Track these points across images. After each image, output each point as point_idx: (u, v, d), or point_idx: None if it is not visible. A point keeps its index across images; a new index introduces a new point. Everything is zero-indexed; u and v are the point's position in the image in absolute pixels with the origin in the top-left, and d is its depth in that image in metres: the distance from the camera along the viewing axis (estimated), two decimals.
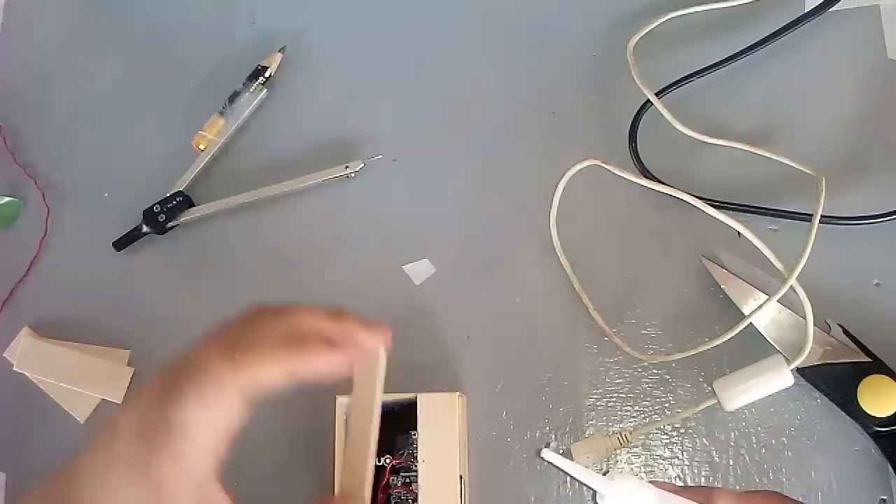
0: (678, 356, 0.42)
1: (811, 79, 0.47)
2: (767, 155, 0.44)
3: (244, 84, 0.53)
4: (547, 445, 0.34)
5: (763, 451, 0.41)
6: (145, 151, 0.54)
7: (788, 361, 0.39)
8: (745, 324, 0.41)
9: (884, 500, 0.39)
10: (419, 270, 0.47)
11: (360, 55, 0.53)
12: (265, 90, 0.53)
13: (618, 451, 0.42)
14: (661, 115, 0.46)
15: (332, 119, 0.52)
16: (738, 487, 0.41)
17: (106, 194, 0.53)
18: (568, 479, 0.42)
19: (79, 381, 0.48)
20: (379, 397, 0.33)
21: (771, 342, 0.41)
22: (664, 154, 0.46)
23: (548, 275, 0.46)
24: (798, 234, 0.41)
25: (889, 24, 0.46)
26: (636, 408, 0.43)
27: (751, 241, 0.40)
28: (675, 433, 0.42)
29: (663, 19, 0.48)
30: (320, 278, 0.48)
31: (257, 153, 0.53)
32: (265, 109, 0.53)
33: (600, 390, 0.43)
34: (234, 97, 0.52)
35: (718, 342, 0.41)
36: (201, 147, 0.52)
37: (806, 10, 0.47)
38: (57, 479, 0.33)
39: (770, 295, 0.40)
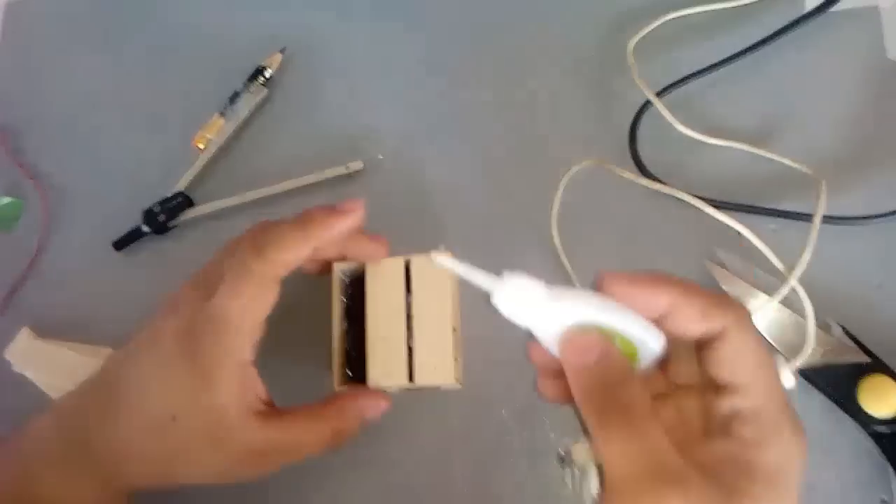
0: None
1: (811, 79, 0.47)
2: (768, 155, 0.44)
3: (244, 84, 0.53)
4: (436, 253, 0.34)
5: None
6: (145, 152, 0.54)
7: (789, 361, 0.39)
8: None
9: (884, 501, 0.39)
10: None
11: (360, 56, 0.54)
12: (265, 90, 0.53)
13: None
14: (662, 115, 0.46)
15: (332, 119, 0.52)
16: None
17: (106, 195, 0.53)
18: (568, 476, 0.42)
19: (79, 381, 0.47)
20: (454, 300, 0.38)
21: (772, 342, 0.41)
22: (664, 154, 0.46)
23: (548, 275, 0.46)
24: (799, 235, 0.41)
25: (889, 25, 0.47)
26: None
27: (751, 242, 0.40)
28: None
29: (663, 20, 0.48)
30: (321, 278, 0.48)
31: (257, 153, 0.53)
32: (265, 110, 0.53)
33: None
34: (234, 97, 0.52)
35: None
36: (201, 147, 0.52)
37: (806, 11, 0.47)
38: (99, 380, 0.37)
39: (771, 295, 0.40)
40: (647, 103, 0.46)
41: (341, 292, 0.40)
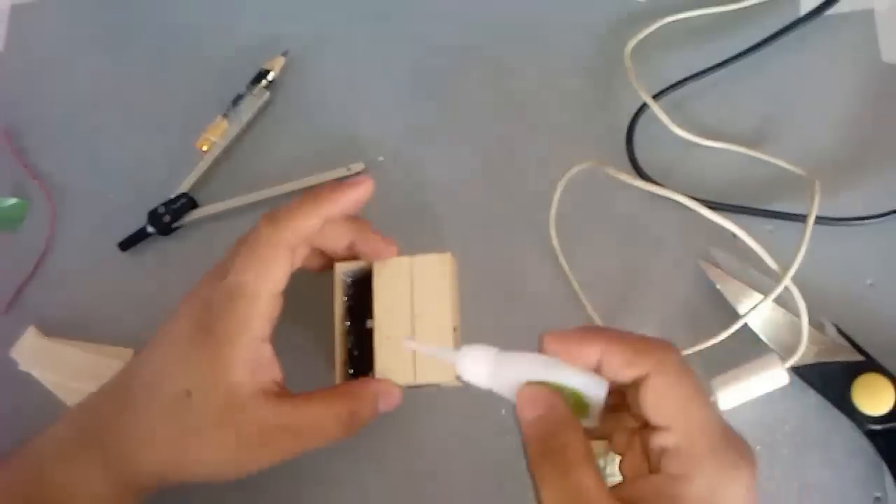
0: None
1: (806, 82, 0.47)
2: (763, 157, 0.45)
3: (247, 87, 0.53)
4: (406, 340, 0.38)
5: (758, 448, 0.41)
6: (150, 153, 0.54)
7: (783, 360, 0.40)
8: (741, 323, 0.41)
9: (878, 498, 0.39)
10: None
11: (361, 58, 0.54)
12: (268, 93, 0.53)
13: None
14: (658, 117, 0.46)
15: (333, 121, 0.53)
16: None
17: (111, 195, 0.54)
18: None
19: (85, 380, 0.48)
20: (454, 300, 0.38)
21: (766, 342, 0.41)
22: (661, 156, 0.47)
23: (547, 275, 0.46)
24: (794, 235, 0.41)
25: (884, 28, 0.47)
26: None
27: (746, 242, 0.40)
28: None
29: (660, 23, 0.49)
30: (322, 278, 0.48)
31: (260, 155, 0.53)
32: (268, 112, 0.54)
33: None
34: (237, 100, 0.53)
35: (714, 342, 0.41)
36: (205, 149, 0.52)
37: (801, 14, 0.47)
38: (117, 376, 0.38)
39: (766, 295, 0.41)
40: (644, 106, 0.47)
41: (343, 292, 0.41)
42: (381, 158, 0.51)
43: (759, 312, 0.41)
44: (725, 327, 0.41)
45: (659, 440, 0.29)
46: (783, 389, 0.40)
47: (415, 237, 0.48)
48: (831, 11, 0.47)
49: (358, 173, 0.50)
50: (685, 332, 0.44)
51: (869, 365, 0.39)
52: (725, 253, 0.44)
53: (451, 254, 0.40)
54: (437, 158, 0.50)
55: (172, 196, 0.51)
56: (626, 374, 0.30)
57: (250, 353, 0.35)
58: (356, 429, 0.37)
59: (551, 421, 0.30)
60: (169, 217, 0.51)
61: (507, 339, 0.45)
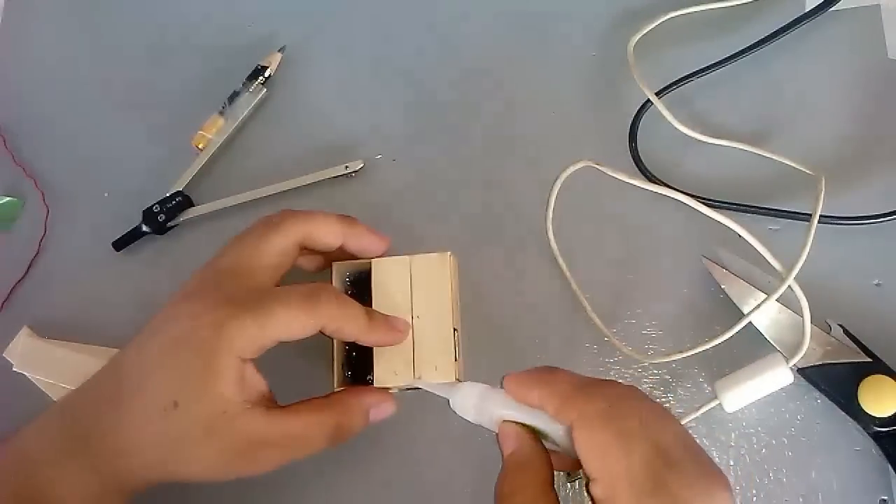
0: (678, 356, 0.42)
1: (811, 78, 0.47)
2: (768, 155, 0.44)
3: (244, 84, 0.53)
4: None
5: (763, 451, 0.41)
6: (144, 151, 0.54)
7: (787, 360, 0.39)
8: (745, 323, 0.41)
9: (884, 501, 0.39)
10: None
11: (359, 55, 0.53)
12: (265, 90, 0.53)
13: None
14: (662, 114, 0.45)
15: (331, 119, 0.52)
16: (738, 488, 0.41)
17: (105, 194, 0.53)
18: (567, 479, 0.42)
19: (79, 381, 0.47)
20: (454, 300, 0.39)
21: (772, 342, 0.41)
22: (664, 153, 0.46)
23: (547, 275, 0.46)
24: (799, 234, 0.40)
25: (890, 24, 0.46)
26: None
27: (749, 242, 0.40)
28: None
29: (663, 19, 0.48)
30: (320, 278, 0.48)
31: (257, 153, 0.53)
32: (265, 109, 0.53)
33: None
34: (233, 97, 0.52)
35: (718, 342, 0.41)
36: (200, 147, 0.52)
37: (806, 10, 0.47)
38: (103, 372, 0.38)
39: (769, 294, 0.40)
40: (647, 103, 0.46)
41: (341, 291, 0.40)
42: (378, 156, 0.50)
43: (764, 313, 0.41)
44: (730, 327, 0.41)
45: (592, 490, 0.29)
46: (789, 391, 0.40)
47: (413, 236, 0.48)
48: (836, 7, 0.46)
49: (357, 171, 0.49)
50: (689, 332, 0.43)
51: (876, 366, 0.39)
52: (730, 252, 0.43)
53: (451, 253, 0.39)
54: (437, 156, 0.50)
55: (167, 194, 0.51)
56: (560, 422, 0.31)
57: (238, 367, 0.34)
58: (343, 440, 0.37)
59: (513, 461, 0.32)
60: (164, 216, 0.50)
61: (506, 339, 0.45)
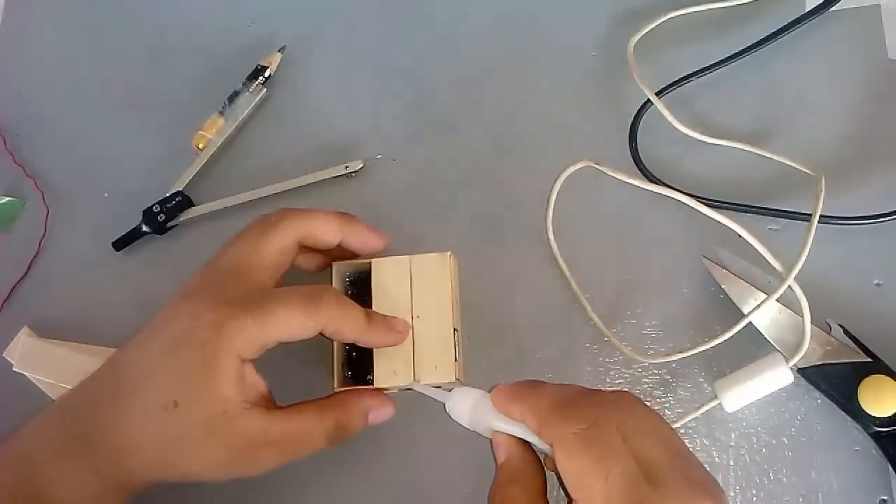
0: (678, 356, 0.42)
1: (812, 78, 0.47)
2: (768, 155, 0.44)
3: (244, 84, 0.53)
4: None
5: (763, 451, 0.41)
6: (145, 151, 0.54)
7: (787, 360, 0.39)
8: (744, 323, 0.41)
9: (884, 501, 0.39)
10: None
11: (359, 55, 0.53)
12: (265, 90, 0.53)
13: None
14: (662, 114, 0.45)
15: (331, 119, 0.52)
16: (738, 488, 0.41)
17: (105, 194, 0.53)
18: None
19: (79, 381, 0.48)
20: (454, 300, 0.39)
21: (772, 342, 0.41)
22: (664, 153, 0.46)
23: (547, 275, 0.46)
24: (799, 234, 0.40)
25: (890, 24, 0.46)
26: None
27: (749, 242, 0.40)
28: None
29: (664, 19, 0.48)
30: (320, 278, 0.48)
31: (257, 153, 0.53)
32: (265, 109, 0.53)
33: None
34: (233, 97, 0.52)
35: (718, 342, 0.41)
36: (201, 147, 0.52)
37: (806, 10, 0.47)
38: (103, 371, 0.37)
39: (769, 294, 0.40)
40: (648, 102, 0.46)
41: (341, 291, 0.40)
42: (379, 156, 0.50)
43: (764, 313, 0.41)
44: (730, 327, 0.41)
45: None
46: (789, 391, 0.40)
47: (413, 236, 0.48)
48: (836, 7, 0.46)
49: (357, 171, 0.49)
50: (689, 332, 0.43)
51: (876, 366, 0.39)
52: (730, 252, 0.43)
53: (451, 253, 0.39)
54: (437, 156, 0.50)
55: (167, 194, 0.51)
56: (542, 441, 0.31)
57: (238, 367, 0.34)
58: (343, 440, 0.37)
59: (504, 470, 0.32)
60: (164, 216, 0.50)
61: (506, 339, 0.45)
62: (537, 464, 0.32)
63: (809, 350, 0.39)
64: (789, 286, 0.39)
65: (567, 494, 0.29)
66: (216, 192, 0.51)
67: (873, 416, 0.38)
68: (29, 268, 0.52)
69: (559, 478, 0.30)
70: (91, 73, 0.57)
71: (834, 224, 0.42)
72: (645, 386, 0.43)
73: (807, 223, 0.41)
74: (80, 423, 0.36)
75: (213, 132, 0.52)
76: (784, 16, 0.47)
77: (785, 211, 0.43)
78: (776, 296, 0.40)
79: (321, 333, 0.36)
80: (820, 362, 0.40)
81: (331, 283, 0.40)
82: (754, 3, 0.48)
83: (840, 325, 0.40)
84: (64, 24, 0.59)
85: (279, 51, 0.53)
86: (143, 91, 0.56)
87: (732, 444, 0.41)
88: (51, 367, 0.48)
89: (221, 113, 0.52)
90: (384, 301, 0.39)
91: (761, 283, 0.42)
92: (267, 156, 0.52)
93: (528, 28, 0.51)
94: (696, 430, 0.42)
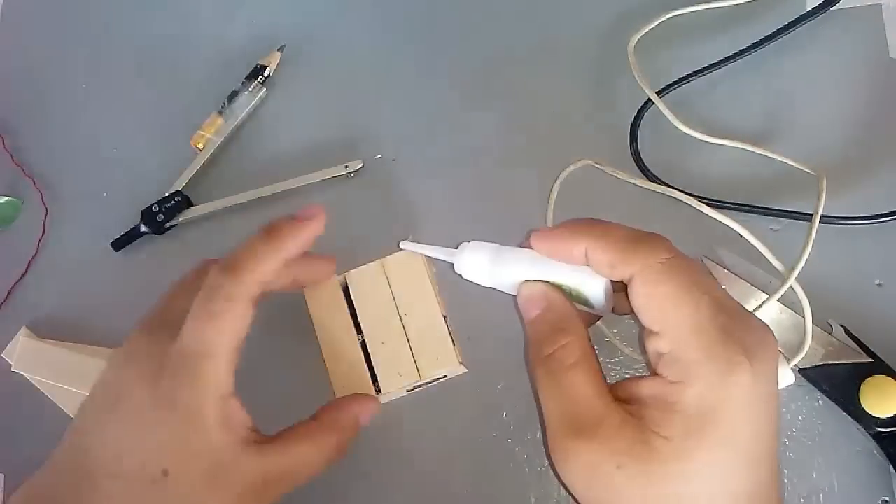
0: None
1: (812, 78, 0.47)
2: (768, 154, 0.44)
3: (243, 83, 0.52)
4: (404, 242, 0.37)
5: None
6: (144, 151, 0.54)
7: (788, 360, 0.39)
8: None
9: (886, 501, 0.39)
10: None
11: (359, 54, 0.53)
12: (264, 89, 0.53)
13: None
14: (662, 114, 0.45)
15: (331, 118, 0.52)
16: None
17: (104, 194, 0.53)
18: None
19: (77, 381, 0.48)
20: (435, 289, 0.38)
21: None
22: (665, 153, 0.46)
23: None
24: (800, 234, 0.40)
25: (891, 24, 0.46)
26: None
27: (750, 242, 0.40)
28: None
29: (664, 18, 0.48)
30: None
31: (256, 153, 0.52)
32: (264, 109, 0.53)
33: None
34: (232, 96, 0.52)
35: None
36: (200, 146, 0.52)
37: (807, 9, 0.47)
38: (65, 456, 0.32)
39: (771, 295, 0.40)
40: (648, 102, 0.46)
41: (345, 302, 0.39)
42: (378, 156, 0.50)
43: (765, 313, 0.41)
44: None
45: (653, 344, 0.28)
46: (790, 392, 0.39)
47: (412, 235, 0.48)
48: (838, 6, 0.46)
49: (356, 171, 0.49)
50: None
51: (877, 367, 0.39)
52: (731, 252, 0.43)
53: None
54: (437, 155, 0.50)
55: (166, 194, 0.51)
56: (612, 276, 0.29)
57: (221, 414, 0.32)
58: (343, 456, 0.35)
59: (546, 321, 0.30)
60: (163, 216, 0.50)
61: (506, 339, 0.45)
62: (581, 313, 0.30)
63: (811, 350, 0.39)
64: (790, 286, 0.39)
65: (645, 332, 0.28)
66: (215, 192, 0.51)
67: (875, 417, 0.38)
68: (27, 268, 0.52)
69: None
70: (90, 73, 0.57)
71: (835, 224, 0.42)
72: None
73: (808, 223, 0.41)
74: None
75: (213, 132, 0.52)
76: (785, 15, 0.47)
77: (786, 211, 0.43)
78: (777, 296, 0.40)
79: (266, 293, 0.34)
80: (821, 363, 0.40)
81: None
82: (755, 2, 0.48)
83: (841, 326, 0.40)
84: (63, 23, 0.59)
85: (278, 50, 0.53)
86: (142, 90, 0.55)
87: None
88: (49, 367, 0.48)
89: (221, 113, 0.52)
90: (369, 310, 0.38)
91: (762, 284, 0.42)
92: (266, 156, 0.52)
93: (529, 28, 0.51)
94: None
